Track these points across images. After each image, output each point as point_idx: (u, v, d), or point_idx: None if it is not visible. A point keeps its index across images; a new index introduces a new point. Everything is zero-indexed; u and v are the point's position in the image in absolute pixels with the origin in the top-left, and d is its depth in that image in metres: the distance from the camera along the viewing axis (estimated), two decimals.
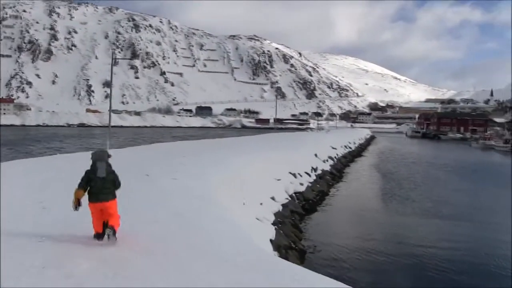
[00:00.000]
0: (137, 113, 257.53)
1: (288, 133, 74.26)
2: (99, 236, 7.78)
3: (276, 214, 17.10)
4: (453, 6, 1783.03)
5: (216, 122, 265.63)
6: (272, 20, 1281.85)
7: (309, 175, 28.73)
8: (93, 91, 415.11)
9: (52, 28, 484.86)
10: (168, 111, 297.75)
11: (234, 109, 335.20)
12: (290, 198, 21.20)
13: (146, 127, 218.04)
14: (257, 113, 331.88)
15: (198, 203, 11.02)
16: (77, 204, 7.76)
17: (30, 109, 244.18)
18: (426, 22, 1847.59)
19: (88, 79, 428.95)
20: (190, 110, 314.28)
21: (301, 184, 24.92)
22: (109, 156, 8.20)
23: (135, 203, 10.43)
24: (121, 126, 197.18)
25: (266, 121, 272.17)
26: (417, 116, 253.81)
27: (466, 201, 29.81)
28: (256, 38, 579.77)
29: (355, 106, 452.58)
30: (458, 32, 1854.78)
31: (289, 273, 7.04)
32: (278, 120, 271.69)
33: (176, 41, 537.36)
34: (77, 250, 7.23)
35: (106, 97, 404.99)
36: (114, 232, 7.64)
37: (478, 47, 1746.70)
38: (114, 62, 34.48)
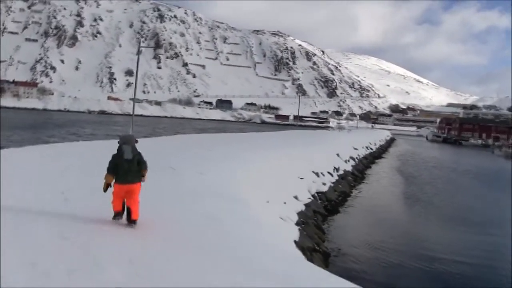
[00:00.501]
0: (158, 103, 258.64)
1: (309, 130, 73.81)
2: (117, 214, 8.25)
3: (299, 214, 16.69)
4: (481, 11, 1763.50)
5: (236, 116, 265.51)
6: (296, 16, 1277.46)
7: (331, 175, 28.24)
8: (115, 79, 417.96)
9: (78, 15, 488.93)
10: (188, 103, 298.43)
11: (255, 104, 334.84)
12: (312, 198, 20.77)
13: (166, 117, 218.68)
14: (277, 109, 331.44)
15: (228, 204, 10.66)
16: (107, 187, 8.23)
17: (52, 94, 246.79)
18: (451, 25, 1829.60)
19: (111, 67, 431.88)
20: (210, 103, 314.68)
21: (324, 184, 24.46)
22: (136, 141, 8.44)
23: (164, 200, 10.18)
24: (141, 115, 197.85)
25: (286, 117, 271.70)
26: (438, 120, 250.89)
27: (490, 209, 29.16)
28: (280, 34, 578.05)
29: (376, 107, 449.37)
30: (484, 37, 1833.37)
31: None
32: (298, 117, 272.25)
33: (200, 33, 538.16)
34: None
35: (128, 85, 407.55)
36: (135, 223, 8.13)
37: (503, 53, 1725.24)
38: (139, 51, 34.23)
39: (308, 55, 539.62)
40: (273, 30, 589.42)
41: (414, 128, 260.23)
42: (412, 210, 26.18)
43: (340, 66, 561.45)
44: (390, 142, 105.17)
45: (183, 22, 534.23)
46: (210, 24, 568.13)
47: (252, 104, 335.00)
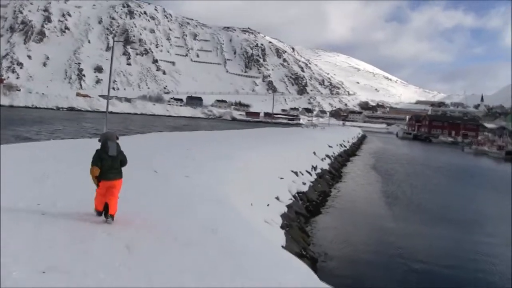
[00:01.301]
0: (128, 100, 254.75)
1: (283, 128, 73.04)
2: (99, 213, 8.34)
3: (283, 216, 15.92)
4: (446, 10, 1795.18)
5: (206, 113, 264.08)
6: (266, 13, 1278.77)
7: (310, 174, 27.58)
8: (84, 75, 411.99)
9: (46, 10, 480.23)
10: (158, 100, 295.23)
11: (225, 101, 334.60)
12: (293, 199, 20.06)
13: (136, 114, 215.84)
14: (247, 106, 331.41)
15: (219, 209, 9.82)
16: (98, 181, 8.22)
17: (19, 90, 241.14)
18: (419, 23, 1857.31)
19: (79, 63, 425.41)
20: (180, 100, 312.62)
21: (304, 183, 23.75)
22: (117, 137, 8.53)
23: (154, 210, 9.19)
24: (111, 112, 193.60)
25: (257, 114, 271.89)
26: (407, 117, 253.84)
27: (469, 207, 29.07)
28: (250, 31, 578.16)
29: (346, 104, 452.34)
30: (450, 36, 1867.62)
31: None
32: (268, 114, 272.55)
33: (170, 29, 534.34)
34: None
35: (97, 82, 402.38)
36: (113, 218, 8.17)
37: (468, 52, 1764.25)
38: (113, 47, 33.06)
39: (279, 52, 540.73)
40: (244, 27, 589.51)
41: (384, 125, 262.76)
42: (392, 209, 25.70)
43: (310, 63, 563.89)
44: (362, 140, 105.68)
45: (153, 18, 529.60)
46: (180, 20, 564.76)
47: (222, 101, 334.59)
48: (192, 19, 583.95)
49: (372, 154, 70.33)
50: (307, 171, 27.31)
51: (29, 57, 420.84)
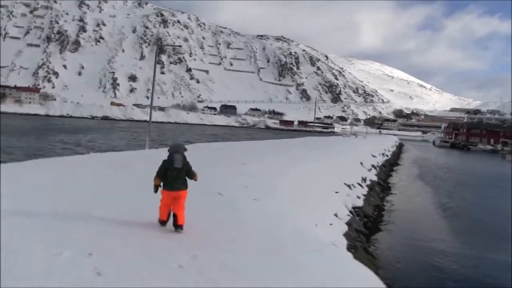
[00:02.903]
0: (161, 109, 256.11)
1: (322, 137, 71.62)
2: (163, 223, 8.55)
3: (346, 236, 14.56)
4: (481, 17, 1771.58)
5: (240, 122, 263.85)
6: (299, 22, 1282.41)
7: (362, 186, 26.04)
8: (118, 84, 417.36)
9: (81, 20, 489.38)
10: (192, 108, 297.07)
11: (259, 109, 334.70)
12: (350, 215, 18.62)
13: (170, 123, 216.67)
14: (281, 114, 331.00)
15: (298, 240, 8.50)
16: (157, 188, 8.55)
17: (55, 99, 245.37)
18: (453, 31, 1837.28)
19: (114, 72, 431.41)
20: (214, 108, 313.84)
21: (358, 197, 22.26)
22: (185, 149, 8.71)
23: (238, 262, 7.20)
24: (145, 121, 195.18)
25: (291, 123, 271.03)
26: (443, 125, 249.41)
27: None
28: (283, 39, 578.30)
29: (380, 112, 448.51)
30: (485, 43, 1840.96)
31: None
32: (302, 123, 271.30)
33: (204, 38, 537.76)
34: None
35: (131, 91, 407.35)
36: (182, 228, 8.31)
37: (504, 59, 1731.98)
38: (157, 57, 32.18)
39: (312, 60, 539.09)
40: (277, 35, 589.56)
41: (419, 133, 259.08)
42: (451, 223, 24.30)
43: (344, 71, 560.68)
44: (400, 148, 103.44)
45: (186, 27, 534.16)
46: (214, 29, 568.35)
47: (256, 109, 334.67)
48: (225, 28, 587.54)
49: (414, 163, 68.41)
50: (358, 184, 25.81)
51: (64, 66, 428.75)
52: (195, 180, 8.69)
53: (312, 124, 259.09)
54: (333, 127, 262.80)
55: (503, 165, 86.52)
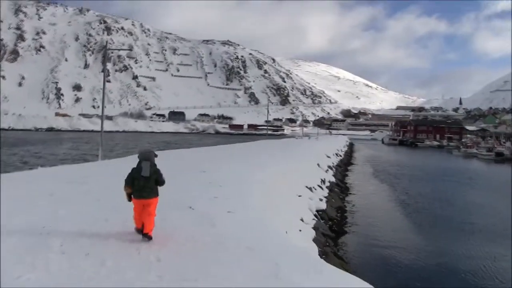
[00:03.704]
0: (109, 118, 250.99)
1: (277, 140, 71.50)
2: (138, 231, 8.22)
3: (315, 241, 14.04)
4: (420, 17, 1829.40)
5: (190, 128, 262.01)
6: (245, 26, 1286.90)
7: (322, 188, 25.72)
8: (62, 95, 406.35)
9: (18, 28, 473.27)
10: (140, 116, 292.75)
11: (208, 115, 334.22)
12: (316, 218, 18.13)
13: (118, 132, 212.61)
14: (230, 118, 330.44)
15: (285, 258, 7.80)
16: (129, 198, 8.33)
17: None
18: (395, 31, 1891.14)
19: (57, 82, 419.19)
20: (163, 115, 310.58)
21: (321, 200, 21.88)
22: (155, 155, 8.47)
23: (219, 274, 6.68)
24: (92, 131, 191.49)
25: (240, 127, 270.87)
26: (390, 123, 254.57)
27: (490, 214, 27.46)
28: (230, 43, 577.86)
29: (329, 113, 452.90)
30: (425, 42, 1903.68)
31: None
32: (252, 126, 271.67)
33: (149, 44, 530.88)
34: None
35: (76, 100, 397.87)
36: (149, 237, 8.03)
37: (443, 57, 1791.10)
38: (105, 66, 31.06)
39: (259, 64, 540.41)
40: (223, 39, 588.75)
41: (367, 132, 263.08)
42: (413, 220, 24.53)
43: (291, 73, 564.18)
44: (351, 147, 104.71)
45: (130, 33, 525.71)
46: (159, 35, 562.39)
47: (205, 114, 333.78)
48: (170, 33, 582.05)
49: (366, 162, 69.29)
50: (318, 186, 25.49)
51: (3, 77, 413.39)
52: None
53: (262, 127, 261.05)
54: (283, 130, 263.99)
55: (451, 159, 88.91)
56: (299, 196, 19.28)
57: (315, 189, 23.81)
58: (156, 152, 8.65)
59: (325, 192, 25.63)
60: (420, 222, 24.13)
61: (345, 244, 17.85)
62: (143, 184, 8.10)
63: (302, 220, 16.03)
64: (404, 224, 23.45)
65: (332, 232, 18.70)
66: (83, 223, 9.01)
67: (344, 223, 21.73)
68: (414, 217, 25.46)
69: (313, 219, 17.64)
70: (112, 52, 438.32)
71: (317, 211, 19.86)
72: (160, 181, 8.29)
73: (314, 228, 16.25)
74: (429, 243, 19.53)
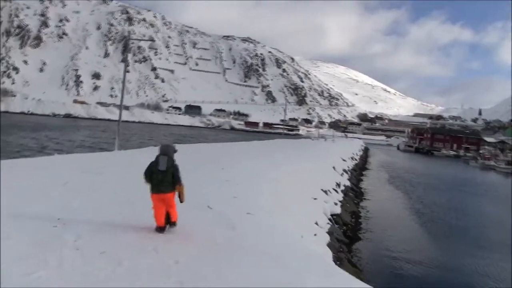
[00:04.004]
0: (126, 108, 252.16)
1: (292, 140, 71.03)
2: (160, 229, 8.20)
3: (329, 247, 13.72)
4: (444, 24, 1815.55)
5: (205, 122, 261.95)
6: (266, 23, 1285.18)
7: (337, 192, 25.33)
8: (81, 82, 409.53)
9: (43, 15, 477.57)
10: (157, 108, 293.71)
11: (224, 110, 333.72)
12: (330, 223, 17.79)
13: (134, 122, 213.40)
14: (246, 115, 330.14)
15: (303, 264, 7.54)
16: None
17: (15, 96, 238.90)
18: (417, 37, 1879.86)
19: (77, 69, 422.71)
20: (179, 108, 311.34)
21: (335, 203, 21.48)
22: (175, 151, 8.48)
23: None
24: (109, 120, 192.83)
25: (255, 124, 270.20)
26: (407, 130, 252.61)
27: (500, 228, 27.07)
28: (250, 40, 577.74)
29: (345, 116, 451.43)
30: (448, 50, 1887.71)
31: None
32: (267, 124, 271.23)
33: (169, 37, 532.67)
34: None
35: (95, 88, 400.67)
36: (175, 224, 8.35)
37: (465, 66, 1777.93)
38: (125, 49, 30.86)
39: (278, 62, 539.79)
40: (243, 36, 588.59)
41: (383, 137, 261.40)
42: (428, 229, 24.14)
43: (309, 74, 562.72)
44: (366, 152, 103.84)
45: (152, 25, 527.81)
46: (180, 28, 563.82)
47: (221, 110, 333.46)
48: (191, 27, 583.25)
49: (381, 167, 68.58)
50: (334, 189, 25.07)
51: (25, 62, 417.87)
52: (181, 201, 8.35)
53: (277, 126, 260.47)
54: (298, 130, 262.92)
55: (468, 170, 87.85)
56: (315, 198, 18.96)
57: (330, 192, 23.41)
58: (176, 147, 8.61)
59: (340, 196, 25.22)
60: (435, 232, 23.72)
61: (359, 251, 17.48)
62: (161, 179, 8.09)
63: (316, 223, 15.70)
64: (418, 234, 23.02)
65: (346, 238, 18.34)
66: (98, 217, 8.76)
67: (358, 229, 21.34)
68: (428, 227, 25.02)
69: (328, 223, 17.30)
70: (133, 43, 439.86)
71: (331, 215, 19.49)
72: (176, 177, 8.20)
73: (329, 232, 15.91)
74: (443, 255, 19.16)
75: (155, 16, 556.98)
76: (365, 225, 22.46)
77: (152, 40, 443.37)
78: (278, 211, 11.47)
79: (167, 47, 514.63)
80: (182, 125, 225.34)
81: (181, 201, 8.32)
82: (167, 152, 8.29)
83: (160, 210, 8.16)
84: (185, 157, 17.53)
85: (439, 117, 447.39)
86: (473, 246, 21.34)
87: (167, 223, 8.29)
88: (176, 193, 8.28)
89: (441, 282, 15.49)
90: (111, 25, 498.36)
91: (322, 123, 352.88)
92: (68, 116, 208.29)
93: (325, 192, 22.22)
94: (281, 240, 8.66)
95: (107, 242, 7.24)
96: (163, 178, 8.08)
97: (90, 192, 10.98)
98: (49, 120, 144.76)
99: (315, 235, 13.35)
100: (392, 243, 20.03)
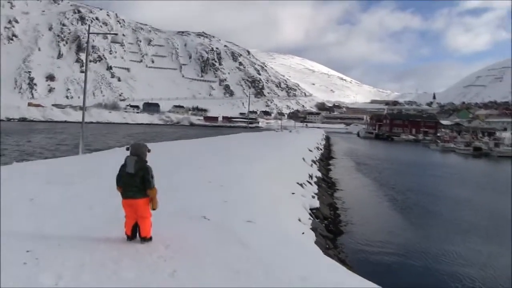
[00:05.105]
0: (82, 108, 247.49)
1: (258, 132, 70.75)
2: (129, 238, 7.48)
3: (317, 244, 13.06)
4: (395, 12, 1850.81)
5: (164, 119, 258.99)
6: (220, 18, 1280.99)
7: (311, 184, 24.76)
8: (35, 84, 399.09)
9: None
10: (114, 107, 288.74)
11: (182, 106, 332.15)
12: (311, 218, 17.15)
13: (92, 122, 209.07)
14: (205, 110, 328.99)
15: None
16: None
17: None
18: (369, 25, 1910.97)
19: (30, 72, 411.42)
20: (137, 107, 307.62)
21: (313, 197, 20.89)
22: (148, 150, 7.60)
23: None
24: (65, 121, 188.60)
25: (215, 119, 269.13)
26: (365, 116, 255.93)
27: (481, 209, 27.11)
28: (205, 35, 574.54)
29: (303, 106, 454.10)
30: (399, 37, 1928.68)
31: None
32: (226, 118, 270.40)
33: (124, 35, 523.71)
34: None
35: (50, 90, 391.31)
36: (145, 240, 7.40)
37: (416, 52, 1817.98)
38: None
39: (234, 56, 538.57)
40: (198, 31, 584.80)
41: (342, 125, 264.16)
42: (406, 216, 23.97)
43: (266, 66, 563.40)
44: (328, 141, 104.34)
45: (105, 24, 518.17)
46: (133, 26, 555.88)
47: (179, 106, 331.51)
48: (145, 24, 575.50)
49: (347, 155, 68.79)
50: (308, 181, 24.51)
51: None
52: (154, 208, 7.44)
53: (236, 119, 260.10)
54: (258, 122, 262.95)
55: (429, 153, 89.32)
56: (293, 193, 18.33)
57: (305, 185, 22.87)
58: (148, 146, 7.69)
59: (315, 188, 24.65)
60: (414, 219, 23.45)
61: (344, 246, 16.84)
62: (128, 182, 7.31)
63: (299, 220, 15.08)
64: (398, 222, 22.69)
65: (329, 233, 17.75)
66: (80, 242, 7.27)
67: (339, 222, 20.76)
68: (406, 213, 24.78)
69: (309, 218, 16.67)
70: (94, 40, 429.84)
71: (311, 209, 18.90)
72: (146, 180, 7.27)
73: (313, 229, 15.27)
74: (427, 241, 18.88)
75: (108, 15, 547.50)
76: (344, 217, 21.90)
77: (115, 33, 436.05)
78: (272, 214, 10.78)
79: (122, 45, 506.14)
80: (141, 124, 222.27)
81: (153, 208, 7.42)
82: (137, 152, 7.44)
83: (129, 219, 7.43)
84: (159, 157, 16.64)
85: (395, 103, 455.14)
86: (453, 232, 21.10)
87: (135, 232, 7.47)
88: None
89: (430, 269, 15.22)
90: (63, 25, 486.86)
91: (281, 114, 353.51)
92: (23, 120, 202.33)
93: (301, 185, 21.67)
94: (290, 250, 7.86)
95: (99, 280, 5.78)
96: (131, 182, 7.28)
97: (62, 209, 9.57)
98: (4, 125, 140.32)
99: (303, 233, 12.70)
100: (375, 234, 19.56)
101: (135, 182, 7.27)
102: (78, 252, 6.76)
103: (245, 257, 7.06)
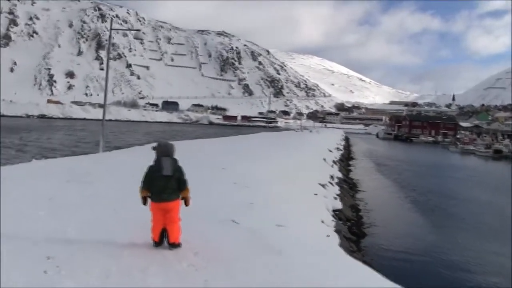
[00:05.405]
0: (101, 106, 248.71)
1: (278, 132, 70.58)
2: (156, 244, 7.09)
3: (342, 247, 12.73)
4: (415, 14, 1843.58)
5: (183, 118, 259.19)
6: (240, 17, 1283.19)
7: (333, 185, 24.42)
8: (55, 81, 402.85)
9: (11, 13, 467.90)
10: (133, 105, 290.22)
11: (201, 105, 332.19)
12: (334, 219, 16.82)
13: (110, 120, 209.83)
14: (224, 109, 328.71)
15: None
16: (144, 201, 7.12)
17: None
18: (389, 26, 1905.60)
19: (50, 68, 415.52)
20: (156, 105, 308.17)
21: (335, 198, 20.56)
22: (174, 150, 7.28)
23: None
24: (84, 119, 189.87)
25: (234, 118, 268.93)
26: (384, 117, 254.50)
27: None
28: (225, 34, 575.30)
29: (322, 106, 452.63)
30: (419, 38, 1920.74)
31: None
32: (245, 117, 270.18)
33: (144, 33, 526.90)
34: None
35: (69, 88, 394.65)
36: (175, 246, 7.01)
37: (436, 54, 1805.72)
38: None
39: (254, 55, 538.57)
40: (218, 30, 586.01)
41: (361, 126, 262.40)
42: (430, 219, 23.63)
43: (285, 66, 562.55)
44: (347, 141, 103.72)
45: (125, 22, 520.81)
46: (154, 24, 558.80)
47: (198, 105, 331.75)
48: (165, 23, 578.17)
49: (365, 156, 68.45)
50: (329, 182, 24.17)
51: None
52: (187, 205, 7.17)
53: (255, 119, 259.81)
54: (277, 122, 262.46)
55: (449, 155, 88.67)
56: (315, 194, 18.04)
57: (327, 186, 22.55)
58: (172, 144, 7.39)
59: (336, 189, 24.30)
60: (437, 221, 23.15)
61: (368, 249, 16.54)
62: (164, 185, 6.87)
63: (322, 222, 14.78)
64: (421, 224, 22.41)
65: (353, 235, 17.41)
66: (104, 248, 6.86)
67: (361, 224, 20.41)
68: (429, 216, 24.39)
69: (332, 220, 16.38)
70: (113, 38, 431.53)
71: (333, 210, 18.58)
72: (182, 181, 7.01)
73: (336, 231, 14.98)
74: (451, 244, 18.58)
75: (128, 12, 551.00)
76: (367, 219, 21.55)
77: (137, 29, 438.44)
78: (299, 217, 10.59)
79: (142, 43, 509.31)
80: (160, 122, 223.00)
81: (186, 205, 7.14)
82: (168, 152, 7.10)
83: (158, 224, 7.00)
84: (181, 157, 16.43)
85: (414, 104, 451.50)
86: (476, 235, 20.74)
87: (162, 238, 7.08)
88: (181, 200, 7.13)
89: (456, 276, 14.86)
90: (84, 22, 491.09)
91: (300, 114, 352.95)
92: (42, 116, 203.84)
93: (323, 186, 21.35)
94: (329, 263, 7.53)
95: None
96: (167, 185, 6.89)
97: (83, 209, 9.16)
98: (23, 122, 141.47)
99: (328, 236, 12.40)
100: (398, 237, 19.24)
101: (172, 185, 6.96)
102: (103, 259, 6.37)
103: (279, 266, 6.67)
